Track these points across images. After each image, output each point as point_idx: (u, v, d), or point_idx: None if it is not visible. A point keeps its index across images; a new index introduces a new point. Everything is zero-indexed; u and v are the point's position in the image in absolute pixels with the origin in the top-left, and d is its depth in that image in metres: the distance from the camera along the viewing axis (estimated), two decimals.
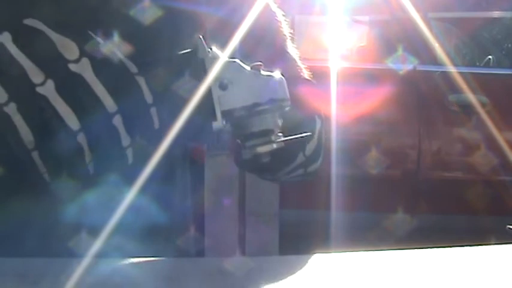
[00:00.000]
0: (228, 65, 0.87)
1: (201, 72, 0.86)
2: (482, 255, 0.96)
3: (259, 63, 0.89)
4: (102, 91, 0.92)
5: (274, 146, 0.89)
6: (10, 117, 0.90)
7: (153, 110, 0.95)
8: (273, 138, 0.89)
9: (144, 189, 0.90)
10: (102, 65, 0.92)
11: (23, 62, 0.89)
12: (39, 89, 0.90)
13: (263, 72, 0.89)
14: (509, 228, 1.12)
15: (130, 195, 0.89)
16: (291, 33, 1.17)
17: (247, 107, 0.87)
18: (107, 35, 0.92)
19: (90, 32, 0.92)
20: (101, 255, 0.84)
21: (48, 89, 0.90)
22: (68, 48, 0.91)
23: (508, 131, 3.46)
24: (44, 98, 0.90)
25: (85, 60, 0.91)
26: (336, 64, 3.65)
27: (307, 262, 0.90)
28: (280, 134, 0.91)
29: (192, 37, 0.92)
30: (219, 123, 0.86)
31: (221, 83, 0.86)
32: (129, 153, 0.94)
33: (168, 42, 0.98)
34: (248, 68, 0.89)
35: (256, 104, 0.87)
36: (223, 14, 1.05)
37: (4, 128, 0.90)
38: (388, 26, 3.85)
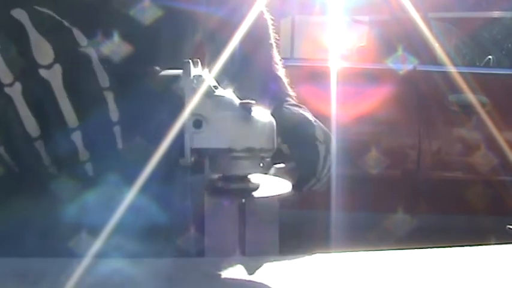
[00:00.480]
0: (209, 101, 0.78)
1: (177, 102, 0.78)
2: (482, 255, 0.96)
3: (251, 101, 0.80)
4: (67, 105, 0.91)
5: (251, 187, 0.82)
6: None
7: (116, 129, 0.93)
8: (249, 183, 0.82)
9: (144, 190, 0.90)
10: (73, 75, 0.91)
11: None
12: (7, 90, 0.90)
13: (253, 113, 0.79)
14: (509, 228, 1.12)
15: (131, 195, 0.89)
16: (276, 39, 1.15)
17: (221, 150, 0.79)
18: (91, 36, 0.91)
19: (75, 32, 0.91)
20: (101, 255, 0.84)
21: (15, 91, 0.90)
22: (43, 51, 0.90)
23: (508, 131, 3.46)
24: (10, 99, 0.90)
25: (57, 67, 0.91)
26: (336, 64, 3.65)
27: (307, 262, 0.90)
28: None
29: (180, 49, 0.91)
30: (186, 161, 0.78)
31: (196, 121, 0.77)
32: (89, 167, 0.94)
33: (148, 54, 0.95)
34: (237, 102, 0.80)
35: (230, 150, 0.78)
36: (221, 16, 1.05)
37: None
38: (388, 26, 3.85)
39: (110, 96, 0.92)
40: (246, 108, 0.79)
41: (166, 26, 0.97)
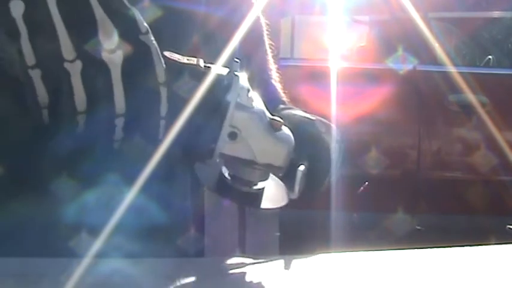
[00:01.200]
0: (246, 115, 0.85)
1: (219, 113, 0.84)
2: (482, 255, 0.96)
3: (280, 121, 0.87)
4: (119, 93, 0.93)
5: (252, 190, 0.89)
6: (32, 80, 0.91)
7: (162, 123, 0.97)
8: (253, 187, 0.89)
9: (144, 190, 0.90)
10: (132, 65, 0.93)
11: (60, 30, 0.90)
12: (66, 65, 0.91)
13: (280, 132, 0.87)
14: (509, 228, 1.12)
15: (131, 195, 0.89)
16: (271, 44, 1.16)
17: (244, 160, 0.86)
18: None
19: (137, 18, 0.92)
20: (101, 255, 0.84)
21: (75, 68, 0.91)
22: (108, 34, 0.92)
23: (508, 131, 3.46)
24: (68, 74, 0.91)
25: (119, 53, 0.92)
26: (336, 64, 3.65)
27: (307, 262, 0.90)
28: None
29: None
30: (213, 161, 0.85)
31: (231, 133, 0.84)
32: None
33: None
34: (267, 117, 0.87)
35: (252, 162, 0.86)
36: (218, 18, 1.05)
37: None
38: (388, 26, 3.85)
39: (164, 91, 0.95)
40: (274, 127, 0.87)
41: (166, 26, 0.97)
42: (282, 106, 1.11)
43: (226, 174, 0.88)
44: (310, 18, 4.48)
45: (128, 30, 0.93)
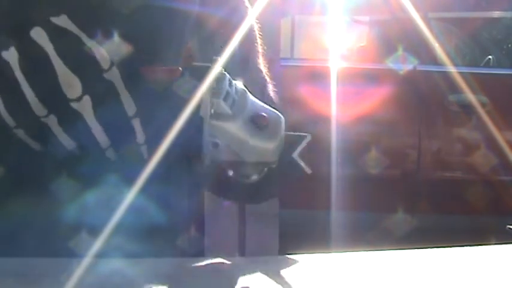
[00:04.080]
0: (226, 126, 0.86)
1: (199, 123, 0.86)
2: (482, 255, 0.96)
3: (264, 117, 0.87)
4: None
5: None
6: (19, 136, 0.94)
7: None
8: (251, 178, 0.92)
9: (144, 190, 0.90)
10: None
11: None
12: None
13: (265, 128, 0.88)
14: (509, 228, 1.12)
15: (131, 195, 0.89)
16: (263, 48, 1.15)
17: (229, 162, 0.89)
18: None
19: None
20: (100, 255, 0.84)
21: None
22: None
23: (508, 131, 3.45)
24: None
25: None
26: (336, 64, 3.64)
27: (307, 262, 0.90)
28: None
29: None
30: (204, 166, 0.90)
31: (213, 142, 0.87)
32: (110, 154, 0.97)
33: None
34: (250, 119, 0.87)
35: (241, 162, 0.89)
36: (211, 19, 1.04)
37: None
38: (388, 26, 3.85)
39: (136, 122, 0.97)
40: (259, 123, 0.87)
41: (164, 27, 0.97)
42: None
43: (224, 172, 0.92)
44: (310, 18, 4.48)
45: (91, 72, 0.93)
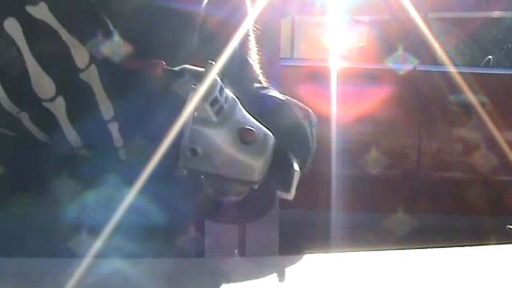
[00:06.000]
0: (208, 133, 0.80)
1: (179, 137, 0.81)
2: (482, 255, 0.96)
3: (251, 132, 0.80)
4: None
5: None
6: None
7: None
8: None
9: (144, 190, 0.90)
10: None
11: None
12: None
13: (250, 144, 0.81)
14: (509, 228, 1.12)
15: (131, 195, 0.89)
16: (257, 49, 1.14)
17: (209, 174, 0.82)
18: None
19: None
20: (101, 255, 0.84)
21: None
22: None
23: (508, 131, 3.46)
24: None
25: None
26: (336, 64, 3.65)
27: (307, 262, 0.90)
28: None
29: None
30: (180, 174, 0.82)
31: (192, 149, 0.80)
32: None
33: None
34: (236, 131, 0.81)
35: (217, 176, 0.82)
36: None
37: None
38: (388, 26, 3.85)
39: (113, 127, 0.94)
40: (245, 139, 0.81)
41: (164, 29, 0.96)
42: (257, 85, 1.07)
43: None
44: (310, 18, 4.48)
45: (66, 71, 0.89)
